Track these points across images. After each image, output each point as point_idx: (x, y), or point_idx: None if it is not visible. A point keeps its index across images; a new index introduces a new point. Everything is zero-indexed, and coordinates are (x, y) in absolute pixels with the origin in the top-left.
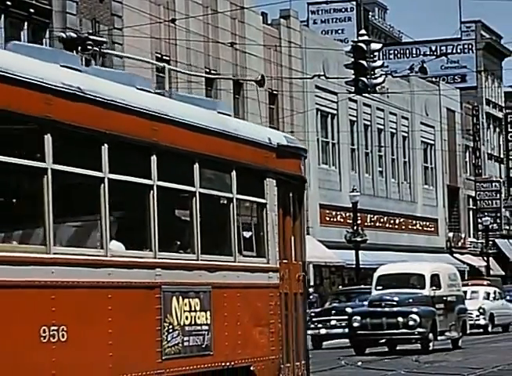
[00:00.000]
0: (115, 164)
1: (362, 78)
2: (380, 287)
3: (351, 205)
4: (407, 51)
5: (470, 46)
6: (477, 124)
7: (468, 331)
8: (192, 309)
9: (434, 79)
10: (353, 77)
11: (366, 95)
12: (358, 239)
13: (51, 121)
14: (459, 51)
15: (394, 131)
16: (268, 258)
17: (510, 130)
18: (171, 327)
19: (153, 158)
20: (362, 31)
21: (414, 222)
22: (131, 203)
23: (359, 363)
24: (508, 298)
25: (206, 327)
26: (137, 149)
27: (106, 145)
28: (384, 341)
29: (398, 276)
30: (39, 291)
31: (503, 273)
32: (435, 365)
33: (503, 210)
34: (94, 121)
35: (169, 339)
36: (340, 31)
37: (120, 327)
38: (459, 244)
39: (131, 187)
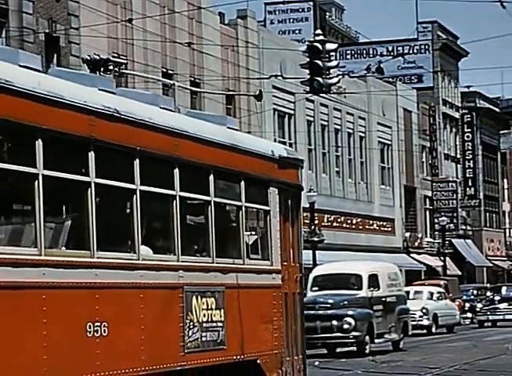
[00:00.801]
0: (145, 177)
1: (318, 78)
2: (316, 289)
3: (308, 205)
4: (364, 51)
5: (426, 47)
6: (434, 124)
7: (410, 332)
8: (209, 307)
9: (390, 79)
10: (308, 77)
11: (323, 95)
12: (316, 239)
13: (94, 140)
14: (415, 51)
15: (351, 131)
16: (271, 260)
17: (466, 130)
18: (191, 323)
19: (176, 171)
20: (318, 31)
21: (371, 222)
22: (158, 211)
23: (316, 363)
24: (464, 297)
25: (220, 324)
26: (163, 163)
27: (137, 160)
28: (320, 344)
29: (335, 277)
30: (87, 292)
31: (460, 273)
32: (392, 365)
33: (460, 210)
34: (128, 139)
35: (190, 334)
36: (297, 31)
37: (150, 324)
38: (416, 243)
39: (158, 197)
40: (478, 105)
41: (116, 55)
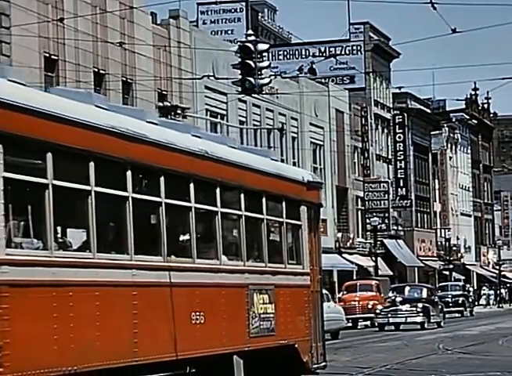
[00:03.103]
0: (224, 203)
1: (249, 78)
2: None
3: None
4: (296, 52)
5: (358, 48)
6: (366, 125)
7: None
8: (264, 302)
9: (323, 80)
10: (240, 77)
11: (256, 95)
12: None
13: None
14: (347, 52)
15: (283, 131)
16: (303, 265)
17: (397, 131)
18: (253, 314)
19: (242, 196)
20: (250, 32)
21: None
22: (231, 229)
23: None
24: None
25: (272, 315)
26: (232, 190)
27: (218, 189)
28: None
29: None
30: (188, 290)
31: (391, 273)
32: None
33: (391, 210)
34: (212, 172)
35: (253, 323)
36: (229, 32)
37: (229, 314)
38: (348, 244)
39: (232, 218)
40: (410, 106)
41: (47, 54)
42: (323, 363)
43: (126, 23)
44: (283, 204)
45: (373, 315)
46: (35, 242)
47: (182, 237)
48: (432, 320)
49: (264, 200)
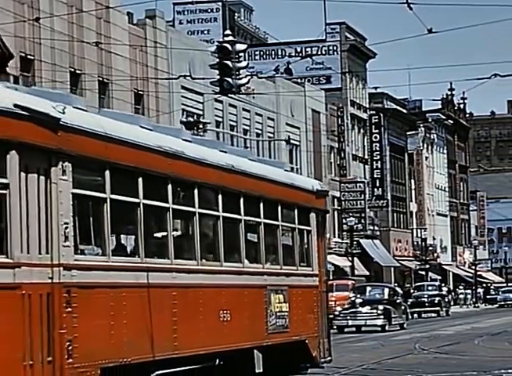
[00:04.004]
0: (247, 211)
1: (227, 79)
2: None
3: None
4: (272, 52)
5: (334, 48)
6: (342, 125)
7: None
8: (279, 301)
9: (299, 80)
10: (218, 77)
11: (232, 95)
12: None
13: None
14: (324, 52)
15: (259, 131)
16: (312, 267)
17: (374, 131)
18: (271, 312)
19: (261, 205)
20: (227, 32)
21: None
22: (250, 234)
23: None
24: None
25: (286, 313)
26: (253, 199)
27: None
28: None
29: None
30: (215, 290)
31: (368, 273)
32: None
33: (368, 210)
34: (235, 184)
35: (270, 320)
36: (206, 32)
37: (251, 312)
38: None
39: (252, 225)
40: (386, 106)
41: (23, 54)
42: (329, 358)
43: (102, 22)
44: (296, 211)
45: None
46: (95, 249)
47: (212, 243)
48: (394, 322)
49: (279, 208)
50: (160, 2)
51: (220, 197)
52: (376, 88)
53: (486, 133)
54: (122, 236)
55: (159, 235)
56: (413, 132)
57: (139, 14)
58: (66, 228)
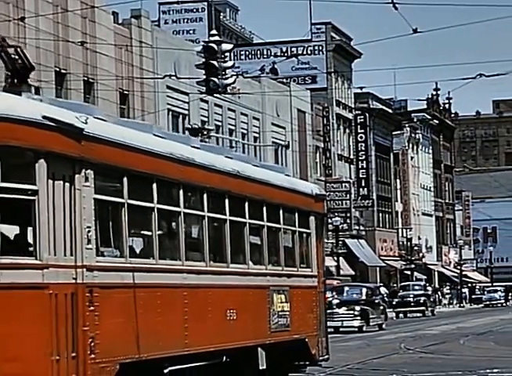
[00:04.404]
0: (252, 215)
1: (213, 78)
2: None
3: None
4: (258, 52)
5: (320, 48)
6: (328, 125)
7: None
8: (281, 301)
9: (284, 80)
10: (204, 77)
11: (218, 95)
12: None
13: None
14: (309, 52)
15: (245, 131)
16: (312, 268)
17: (359, 131)
18: (273, 312)
19: (264, 209)
20: (213, 32)
21: None
22: (253, 237)
23: None
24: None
25: (287, 313)
26: (257, 203)
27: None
28: None
29: None
30: (224, 291)
31: (353, 273)
32: None
33: (353, 210)
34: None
35: (273, 320)
36: (191, 31)
37: (255, 312)
38: None
39: (255, 228)
40: (371, 106)
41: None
42: (326, 356)
43: (87, 22)
44: (296, 214)
45: None
46: (114, 251)
47: (219, 245)
48: (372, 323)
49: (281, 211)
50: (146, 2)
51: (227, 201)
52: (361, 88)
53: (471, 133)
54: (138, 238)
55: (171, 238)
56: (399, 132)
57: (125, 14)
58: (89, 231)
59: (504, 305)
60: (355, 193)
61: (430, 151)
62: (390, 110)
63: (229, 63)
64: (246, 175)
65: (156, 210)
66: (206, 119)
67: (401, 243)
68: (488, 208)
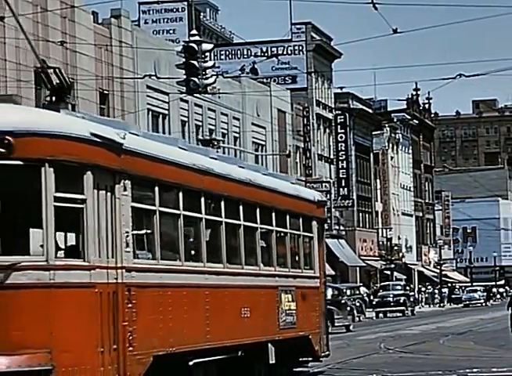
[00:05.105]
0: (263, 220)
1: (194, 78)
2: None
3: None
4: (238, 52)
5: (300, 48)
6: (308, 125)
7: None
8: (288, 300)
9: (265, 80)
10: (184, 77)
11: (198, 95)
12: None
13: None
14: (289, 52)
15: (225, 131)
16: (314, 270)
17: (339, 131)
18: (281, 310)
19: (273, 215)
20: (194, 32)
21: None
22: (263, 241)
23: None
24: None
25: (294, 311)
26: (266, 209)
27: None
28: None
29: None
30: (237, 291)
31: (333, 273)
32: None
33: (333, 210)
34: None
35: (281, 317)
36: (171, 31)
37: (266, 310)
38: None
39: (265, 233)
40: (351, 106)
41: None
42: (327, 352)
43: (67, 22)
44: (300, 219)
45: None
46: (147, 253)
47: (235, 248)
48: (338, 324)
49: (288, 217)
50: (126, 2)
51: (241, 207)
52: (341, 88)
53: (451, 133)
54: (167, 242)
55: (194, 241)
56: (379, 132)
57: (104, 13)
58: (127, 236)
59: (484, 304)
60: (335, 193)
61: (410, 151)
62: (370, 110)
63: (210, 63)
64: (257, 184)
65: (182, 216)
66: (186, 119)
67: (381, 243)
68: (468, 208)
